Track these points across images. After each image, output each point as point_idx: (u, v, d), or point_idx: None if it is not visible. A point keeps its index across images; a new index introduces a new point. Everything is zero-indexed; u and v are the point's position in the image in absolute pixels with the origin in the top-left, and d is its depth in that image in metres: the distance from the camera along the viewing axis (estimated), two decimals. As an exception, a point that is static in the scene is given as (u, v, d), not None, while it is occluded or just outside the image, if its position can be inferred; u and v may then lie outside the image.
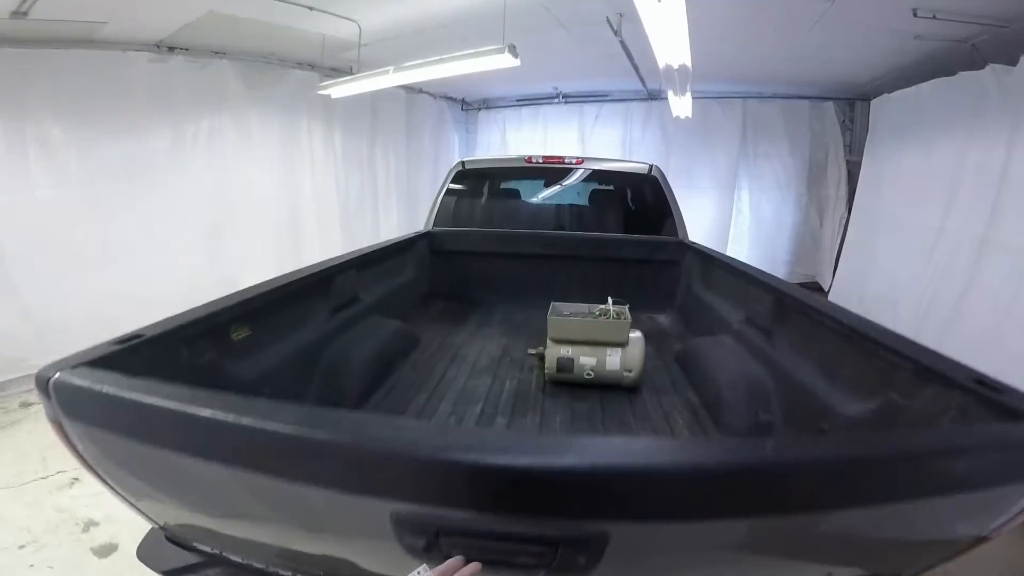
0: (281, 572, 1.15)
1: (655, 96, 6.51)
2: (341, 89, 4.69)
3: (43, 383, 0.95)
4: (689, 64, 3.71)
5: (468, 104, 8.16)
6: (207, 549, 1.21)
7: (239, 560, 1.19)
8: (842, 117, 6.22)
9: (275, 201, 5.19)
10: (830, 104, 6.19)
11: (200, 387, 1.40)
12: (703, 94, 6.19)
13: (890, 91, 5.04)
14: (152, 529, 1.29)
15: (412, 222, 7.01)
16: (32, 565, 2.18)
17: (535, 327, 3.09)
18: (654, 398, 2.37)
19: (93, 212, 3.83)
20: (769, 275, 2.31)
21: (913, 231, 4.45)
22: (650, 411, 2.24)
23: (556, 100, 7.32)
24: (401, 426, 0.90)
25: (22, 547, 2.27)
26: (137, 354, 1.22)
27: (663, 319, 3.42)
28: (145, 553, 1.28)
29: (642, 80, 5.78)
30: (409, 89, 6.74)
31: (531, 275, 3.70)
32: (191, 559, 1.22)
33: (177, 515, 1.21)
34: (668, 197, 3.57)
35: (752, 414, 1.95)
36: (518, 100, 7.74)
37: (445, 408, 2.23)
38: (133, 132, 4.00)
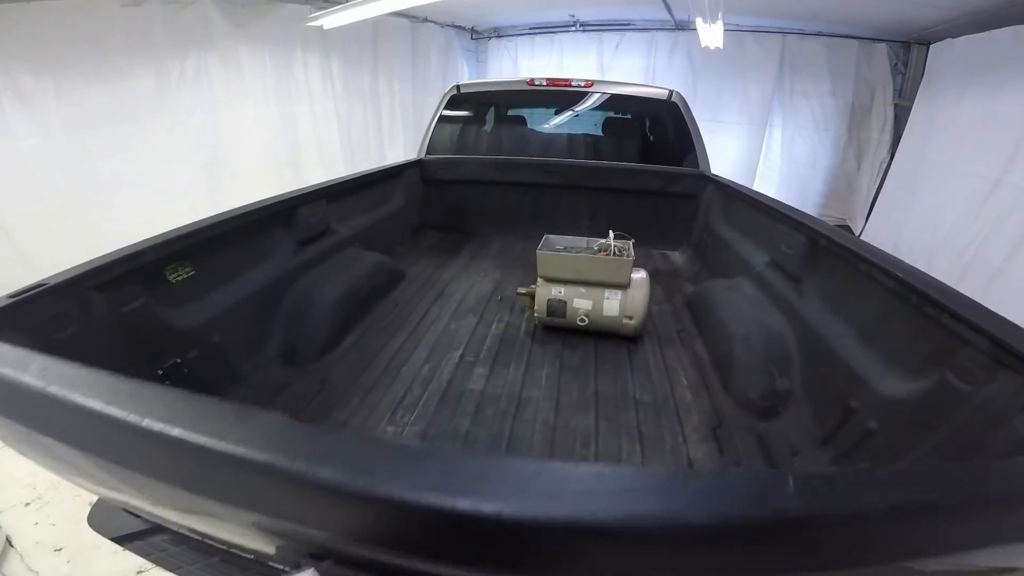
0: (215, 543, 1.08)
1: (683, 26, 5.89)
2: (333, 19, 4.31)
3: None
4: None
5: (478, 33, 7.51)
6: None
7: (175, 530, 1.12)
8: (894, 60, 5.58)
9: (272, 136, 5.00)
10: (883, 46, 5.55)
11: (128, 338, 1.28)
12: (737, 27, 5.60)
13: (954, 36, 4.49)
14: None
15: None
16: (36, 523, 2.23)
17: (532, 261, 2.87)
18: (657, 350, 2.10)
19: (82, 157, 3.70)
20: (802, 213, 1.96)
21: (964, 181, 4.05)
22: (651, 366, 1.99)
23: (573, 28, 6.64)
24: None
25: (27, 504, 2.34)
26: (39, 308, 1.10)
27: (676, 256, 3.15)
28: (96, 521, 1.25)
29: (668, 8, 5.15)
30: (414, 18, 6.23)
31: (532, 206, 3.43)
32: (139, 525, 1.17)
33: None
34: (690, 126, 3.17)
35: (768, 377, 1.69)
36: (531, 28, 7.05)
37: (420, 354, 2.03)
38: (114, 76, 3.77)
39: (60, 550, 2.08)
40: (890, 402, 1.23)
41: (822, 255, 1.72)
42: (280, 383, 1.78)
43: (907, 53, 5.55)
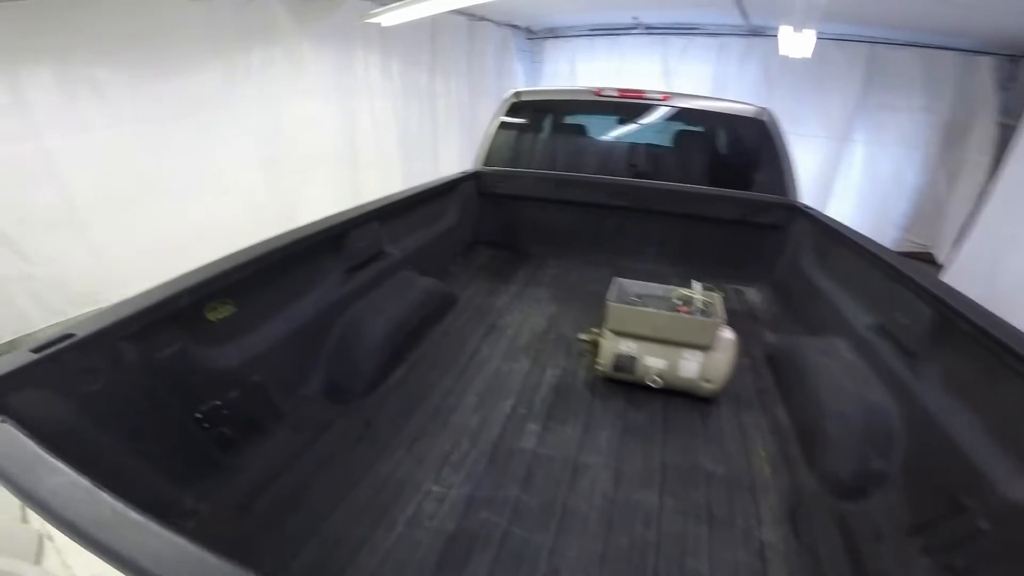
0: None
1: (758, 32, 5.55)
2: (391, 17, 4.25)
3: None
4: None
5: (534, 33, 7.34)
6: None
7: None
8: (1000, 75, 5.04)
9: (332, 133, 5.01)
10: (986, 59, 5.03)
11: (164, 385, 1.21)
12: (820, 35, 5.15)
13: None
14: None
15: (473, 154, 6.73)
16: None
17: (591, 293, 2.67)
18: (733, 415, 1.89)
19: (150, 149, 3.79)
20: (932, 278, 1.70)
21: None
22: (726, 434, 1.79)
23: (636, 31, 6.36)
24: None
25: None
26: (63, 364, 1.01)
27: (752, 294, 2.85)
28: None
29: (743, 13, 4.82)
30: (471, 16, 6.14)
31: (594, 228, 3.20)
32: None
33: None
34: (779, 149, 2.88)
35: (862, 459, 1.52)
36: (591, 29, 6.81)
37: (470, 401, 1.89)
38: (183, 70, 3.83)
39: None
40: (1018, 511, 1.08)
41: (952, 333, 1.45)
42: (323, 422, 1.69)
43: (1016, 68, 5.01)
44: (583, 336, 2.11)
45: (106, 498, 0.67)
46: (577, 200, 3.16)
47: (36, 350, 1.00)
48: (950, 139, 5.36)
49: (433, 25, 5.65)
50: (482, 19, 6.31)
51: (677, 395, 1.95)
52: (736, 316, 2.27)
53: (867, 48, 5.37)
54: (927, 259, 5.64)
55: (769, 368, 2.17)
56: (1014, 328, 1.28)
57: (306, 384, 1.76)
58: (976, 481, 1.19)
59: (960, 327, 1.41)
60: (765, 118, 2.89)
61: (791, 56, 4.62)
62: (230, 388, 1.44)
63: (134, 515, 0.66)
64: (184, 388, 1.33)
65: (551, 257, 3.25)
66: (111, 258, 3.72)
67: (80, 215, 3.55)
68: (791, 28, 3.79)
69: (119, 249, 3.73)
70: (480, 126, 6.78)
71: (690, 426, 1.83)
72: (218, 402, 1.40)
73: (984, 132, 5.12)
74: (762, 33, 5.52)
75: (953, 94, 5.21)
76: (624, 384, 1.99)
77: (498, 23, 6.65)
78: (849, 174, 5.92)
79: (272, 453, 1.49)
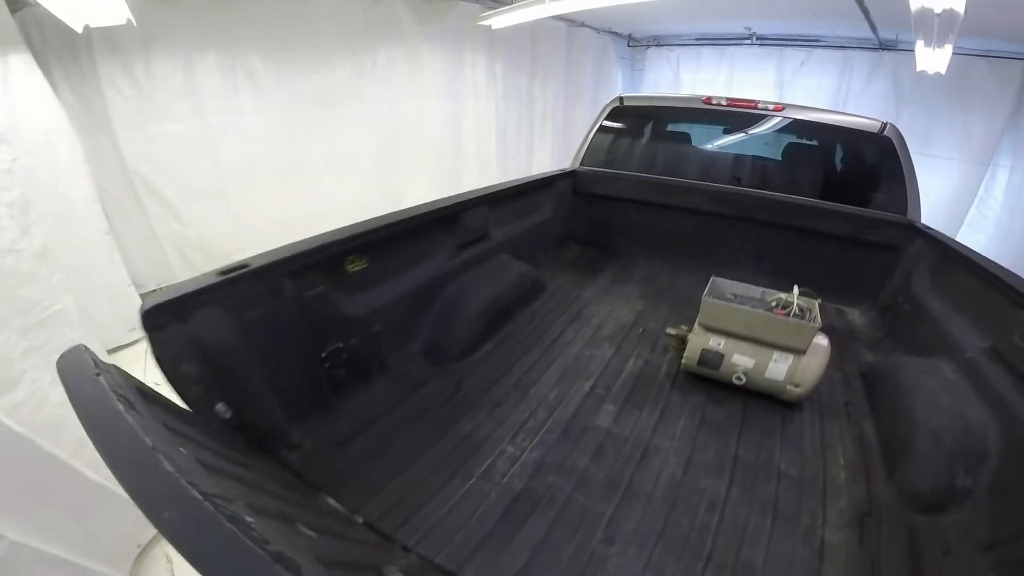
0: None
1: (888, 46, 5.15)
2: (501, 19, 4.46)
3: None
4: (960, 8, 2.67)
5: (635, 40, 7.29)
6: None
7: None
8: None
9: (439, 130, 5.37)
10: None
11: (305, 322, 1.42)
12: (964, 50, 4.72)
13: None
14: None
15: (565, 157, 6.82)
16: None
17: (681, 296, 2.71)
18: (816, 422, 1.83)
19: (287, 135, 4.29)
20: None
21: None
22: (805, 439, 1.75)
23: (748, 41, 6.12)
24: None
25: None
26: (239, 288, 1.25)
27: (855, 316, 2.71)
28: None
29: (872, 26, 4.48)
30: (571, 22, 6.24)
31: (691, 234, 3.16)
32: None
33: None
34: (904, 166, 2.69)
35: (948, 474, 1.46)
36: (697, 38, 6.65)
37: (550, 377, 1.98)
38: (320, 64, 4.29)
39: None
40: None
41: None
42: (419, 379, 1.86)
43: None
44: (671, 331, 2.12)
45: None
46: (674, 204, 3.16)
47: (221, 273, 1.24)
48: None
49: (533, 30, 5.81)
50: (582, 25, 6.37)
51: (759, 397, 1.92)
52: (834, 333, 2.17)
53: (1021, 66, 4.78)
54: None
55: (862, 383, 2.07)
56: None
57: (411, 343, 1.95)
58: None
59: None
60: (890, 132, 2.70)
61: (929, 72, 4.24)
62: (353, 334, 1.64)
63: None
64: (318, 328, 1.53)
65: (642, 259, 3.26)
66: (243, 225, 4.28)
67: (224, 185, 4.10)
68: (924, 44, 3.48)
69: (250, 218, 4.28)
70: (574, 132, 6.94)
71: (769, 427, 1.80)
72: (341, 344, 1.59)
73: None
74: (892, 47, 5.11)
75: None
76: (707, 381, 1.99)
77: (598, 30, 6.69)
78: (987, 201, 5.31)
79: (372, 401, 1.67)
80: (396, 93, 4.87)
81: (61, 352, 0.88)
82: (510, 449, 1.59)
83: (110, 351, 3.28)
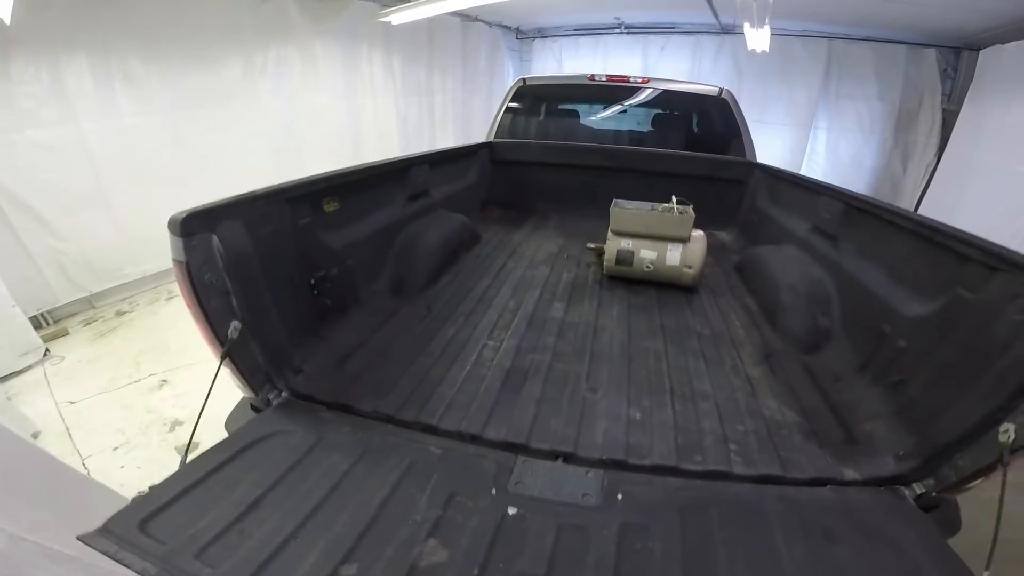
0: None
1: (728, 30, 6.07)
2: (402, 16, 4.61)
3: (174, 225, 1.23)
4: (771, -1, 3.39)
5: (523, 33, 7.79)
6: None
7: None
8: (943, 65, 5.63)
9: (338, 125, 5.37)
10: (932, 51, 5.61)
11: (298, 247, 1.66)
12: (784, 31, 5.74)
13: (1004, 42, 4.53)
14: (240, 400, 1.50)
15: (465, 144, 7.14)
16: (122, 466, 2.34)
17: (590, 231, 3.18)
18: (712, 299, 2.39)
19: (174, 136, 4.09)
20: (836, 186, 2.23)
21: (1007, 183, 4.11)
22: (707, 310, 2.27)
23: (618, 30, 6.84)
24: None
25: (115, 448, 2.46)
26: (254, 207, 1.44)
27: (724, 236, 3.39)
28: (232, 424, 1.46)
29: (715, 13, 5.31)
30: (465, 17, 6.53)
31: (590, 188, 3.69)
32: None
33: None
34: (739, 120, 3.43)
35: (811, 318, 1.94)
36: (576, 29, 7.28)
37: (506, 292, 2.37)
38: (208, 63, 4.15)
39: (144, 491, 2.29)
40: (915, 321, 1.47)
41: (855, 215, 1.99)
42: (391, 310, 2.11)
43: (957, 58, 5.56)
44: (590, 245, 2.66)
45: None
46: (574, 163, 3.70)
47: (239, 196, 1.41)
48: (902, 124, 5.91)
49: (430, 25, 6.01)
50: (476, 19, 6.71)
51: (666, 287, 2.45)
52: (712, 249, 2.77)
53: (827, 43, 5.92)
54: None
55: (737, 274, 2.70)
56: (888, 204, 1.80)
57: (377, 280, 2.20)
58: (888, 312, 1.58)
59: (858, 209, 1.95)
60: (726, 95, 3.44)
61: (757, 51, 5.14)
62: (333, 265, 1.86)
63: None
64: (308, 255, 1.73)
65: (553, 212, 3.77)
66: (132, 236, 3.98)
67: (106, 194, 3.80)
68: (749, 25, 4.27)
69: (140, 227, 3.98)
70: (473, 121, 7.26)
71: (679, 305, 2.31)
72: (324, 273, 1.80)
73: (931, 117, 5.69)
74: (732, 31, 6.02)
75: (903, 83, 5.76)
76: (625, 280, 2.50)
77: (490, 24, 7.06)
78: (814, 159, 6.47)
79: (355, 329, 1.88)
80: (291, 91, 4.82)
81: None
82: (490, 342, 1.90)
83: (1, 379, 2.98)
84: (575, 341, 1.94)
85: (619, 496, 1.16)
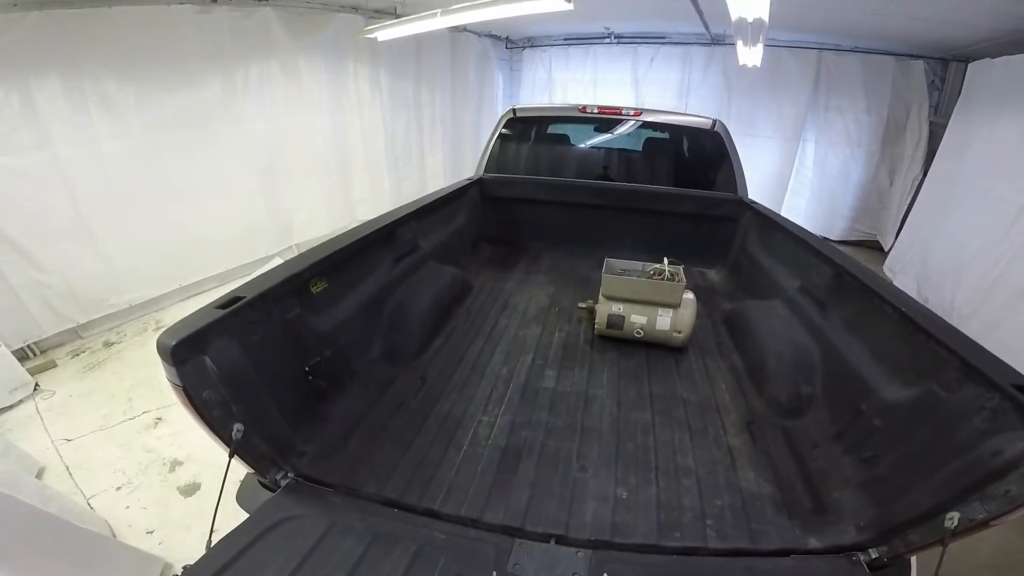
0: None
1: (719, 41, 6.04)
2: (387, 32, 4.52)
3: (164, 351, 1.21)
4: (766, 18, 3.35)
5: (512, 43, 7.72)
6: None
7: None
8: (931, 77, 5.66)
9: (325, 142, 5.27)
10: (920, 63, 5.63)
11: (289, 341, 1.65)
12: (775, 42, 5.73)
13: (993, 56, 4.52)
14: (247, 475, 1.52)
15: (456, 161, 7.14)
16: (128, 506, 2.38)
17: (582, 276, 3.20)
18: (699, 359, 2.39)
19: (155, 159, 3.97)
20: (832, 247, 2.26)
21: (993, 202, 4.10)
22: (695, 373, 2.29)
23: (608, 40, 6.81)
24: None
25: (118, 488, 2.48)
26: (242, 317, 1.42)
27: (713, 275, 3.38)
28: (243, 499, 1.50)
29: (705, 24, 5.28)
30: (453, 28, 6.44)
31: (580, 224, 3.68)
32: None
33: None
34: (731, 154, 3.39)
35: (795, 385, 1.99)
36: (566, 39, 7.24)
37: (499, 357, 2.35)
38: (186, 83, 4.04)
39: (152, 532, 2.26)
40: (891, 406, 1.54)
41: (845, 286, 2.01)
42: (386, 380, 2.11)
43: (945, 70, 5.60)
44: (582, 304, 2.67)
45: None
46: (565, 201, 3.65)
47: (221, 307, 1.37)
48: (889, 137, 5.94)
49: (417, 37, 5.90)
50: (464, 30, 6.62)
51: (655, 347, 2.46)
52: (699, 291, 2.76)
53: (816, 55, 5.93)
54: (874, 246, 6.22)
55: (725, 327, 2.69)
56: (881, 280, 1.83)
57: (370, 350, 2.18)
58: (867, 391, 1.65)
59: (848, 280, 1.96)
60: (719, 128, 3.39)
61: (748, 66, 5.13)
62: (326, 347, 1.84)
63: None
64: (300, 345, 1.73)
65: (544, 251, 3.71)
66: (118, 264, 3.88)
67: (88, 223, 3.69)
68: (743, 43, 4.25)
69: (125, 254, 3.90)
70: (463, 134, 7.19)
71: (668, 369, 2.32)
72: (319, 358, 1.79)
73: (918, 130, 5.73)
74: (722, 42, 6.01)
75: (891, 96, 5.79)
76: (616, 340, 2.51)
77: (479, 34, 6.99)
78: (802, 171, 6.48)
79: (352, 405, 1.88)
80: (274, 109, 4.71)
81: None
82: (485, 418, 1.92)
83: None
84: (567, 414, 1.98)
85: (604, 575, 1.25)
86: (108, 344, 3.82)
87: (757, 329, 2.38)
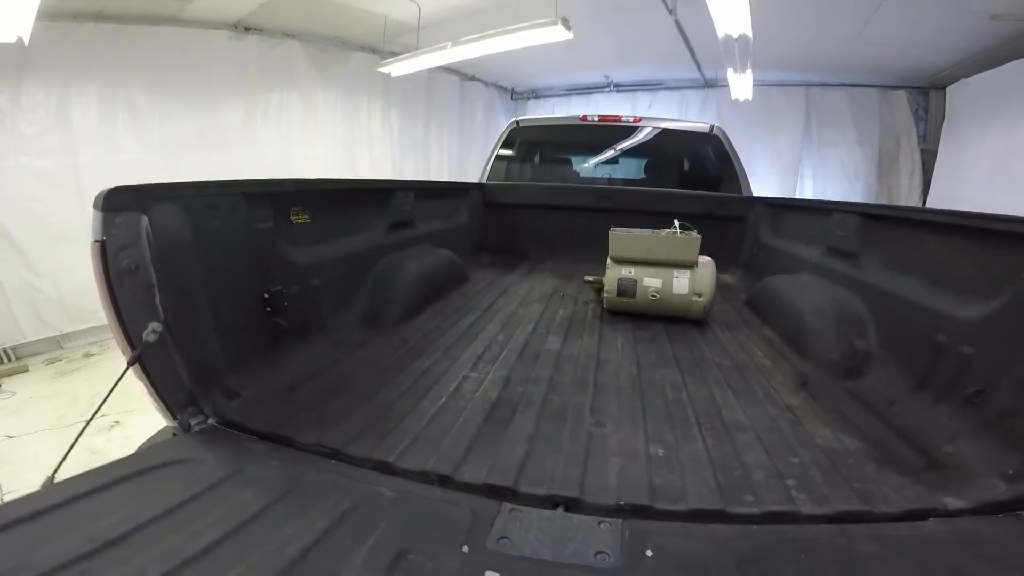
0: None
1: (712, 84, 6.42)
2: (401, 66, 4.84)
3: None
4: (750, 34, 3.59)
5: (518, 94, 8.24)
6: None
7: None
8: (915, 106, 5.90)
9: (335, 174, 5.38)
10: (902, 92, 5.90)
11: (253, 255, 1.47)
12: (764, 82, 6.03)
13: (967, 76, 4.77)
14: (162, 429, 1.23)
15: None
16: None
17: (587, 272, 2.98)
18: (726, 332, 2.10)
19: (171, 175, 4.11)
20: (846, 202, 2.13)
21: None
22: (723, 342, 1.98)
23: (607, 88, 7.25)
24: None
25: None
26: (203, 194, 1.29)
27: (728, 278, 3.17)
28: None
29: (698, 66, 5.66)
30: (462, 76, 6.92)
31: (584, 231, 3.55)
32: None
33: None
34: (731, 156, 3.42)
35: (845, 340, 1.71)
36: (567, 89, 7.73)
37: (494, 327, 2.06)
38: (211, 104, 4.29)
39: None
40: (978, 323, 1.28)
41: (875, 228, 1.87)
42: (360, 341, 1.85)
43: (926, 99, 5.83)
44: (589, 277, 2.37)
45: None
46: (569, 205, 3.62)
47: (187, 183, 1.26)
48: (884, 168, 6.07)
49: (429, 81, 6.34)
50: (472, 79, 7.11)
51: (674, 321, 2.19)
52: (717, 290, 2.52)
53: (804, 91, 6.24)
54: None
55: (749, 309, 2.49)
56: (912, 207, 1.70)
57: (347, 309, 1.94)
58: (940, 320, 1.39)
59: (877, 219, 1.86)
60: (717, 132, 3.49)
61: (740, 99, 5.40)
62: (294, 282, 1.63)
63: None
64: (264, 265, 1.52)
65: (548, 257, 3.62)
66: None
67: (90, 232, 3.77)
68: (733, 71, 4.52)
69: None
70: (469, 176, 7.39)
71: (691, 337, 2.04)
72: (282, 288, 1.57)
73: (911, 159, 5.87)
74: (715, 85, 6.38)
75: (880, 127, 5.99)
76: (628, 316, 2.24)
77: (486, 83, 7.49)
78: (804, 207, 6.60)
79: (314, 358, 1.61)
80: (289, 137, 4.94)
81: None
82: (473, 374, 1.61)
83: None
84: (575, 373, 1.66)
85: (648, 553, 0.87)
86: (88, 355, 3.75)
87: (788, 296, 2.13)
